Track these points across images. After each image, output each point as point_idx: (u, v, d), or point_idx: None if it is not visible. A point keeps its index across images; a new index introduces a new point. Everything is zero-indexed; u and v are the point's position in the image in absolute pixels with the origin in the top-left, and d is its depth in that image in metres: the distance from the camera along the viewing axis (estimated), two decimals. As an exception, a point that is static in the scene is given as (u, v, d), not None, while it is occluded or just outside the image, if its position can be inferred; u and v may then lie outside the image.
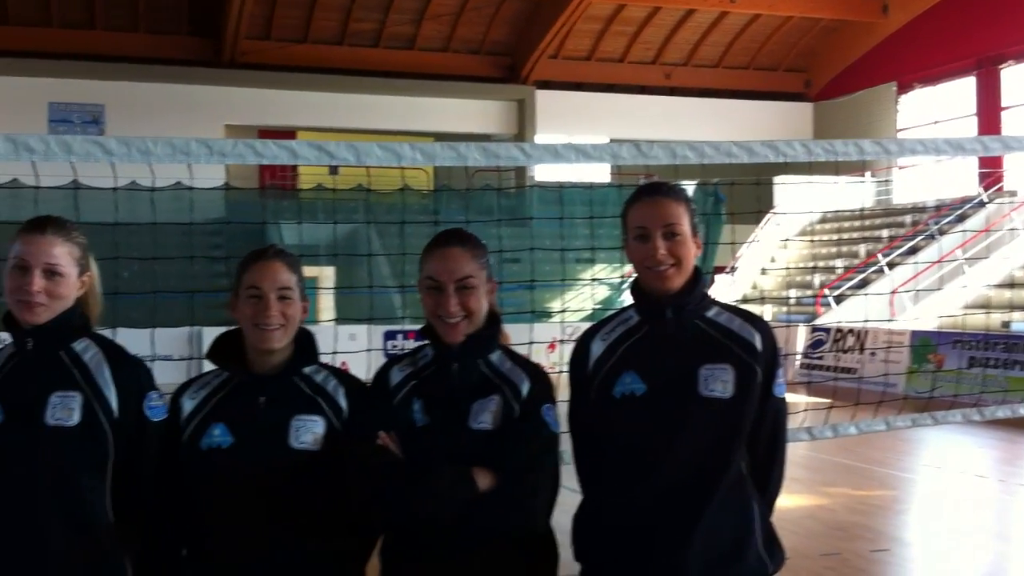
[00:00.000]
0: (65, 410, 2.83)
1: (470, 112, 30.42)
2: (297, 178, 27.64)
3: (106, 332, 3.11)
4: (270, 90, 28.22)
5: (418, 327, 3.12)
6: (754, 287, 26.85)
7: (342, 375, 3.07)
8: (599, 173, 29.02)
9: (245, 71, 28.15)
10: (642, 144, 4.61)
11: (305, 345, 3.04)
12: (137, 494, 2.92)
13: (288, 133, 26.47)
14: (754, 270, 27.45)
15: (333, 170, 24.98)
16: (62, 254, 2.90)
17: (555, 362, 3.19)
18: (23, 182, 6.73)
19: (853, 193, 27.64)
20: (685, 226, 2.96)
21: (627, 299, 3.15)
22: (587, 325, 3.26)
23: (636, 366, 2.96)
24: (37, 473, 2.80)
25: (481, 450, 2.85)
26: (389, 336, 20.57)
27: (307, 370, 3.03)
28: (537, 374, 3.01)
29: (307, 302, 3.03)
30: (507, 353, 3.05)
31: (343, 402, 2.99)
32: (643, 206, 2.99)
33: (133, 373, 2.96)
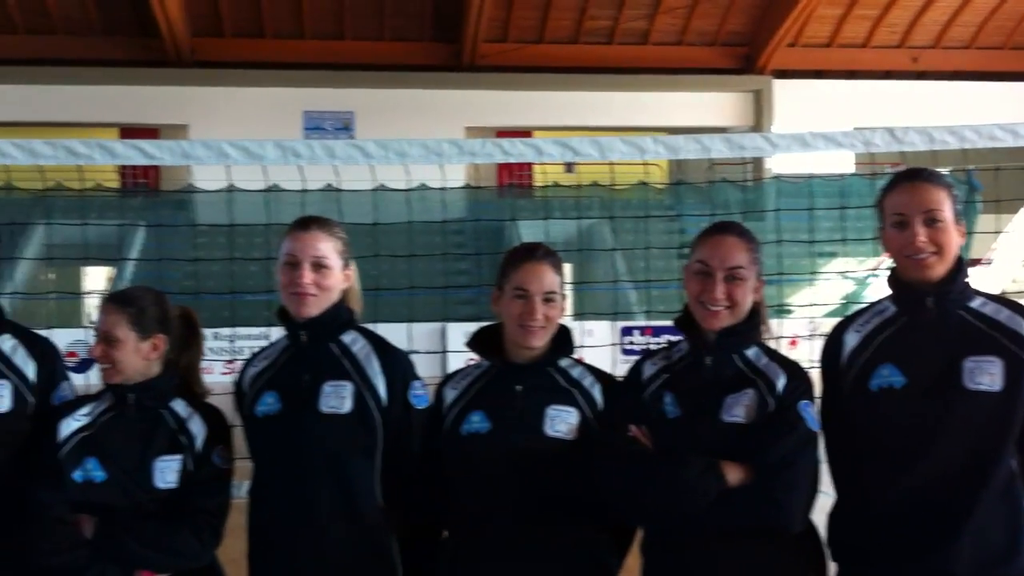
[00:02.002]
0: (338, 398, 3.02)
1: (705, 105, 30.04)
2: (534, 177, 28.10)
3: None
4: (507, 91, 28.88)
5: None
6: (1014, 280, 25.17)
7: (598, 371, 3.12)
8: (842, 164, 27.98)
9: (484, 74, 28.92)
10: (896, 130, 4.43)
11: (562, 338, 3.10)
12: (403, 478, 3.06)
13: (524, 133, 26.95)
14: (1014, 263, 25.72)
15: (569, 168, 25.24)
16: (327, 248, 3.10)
17: (797, 359, 3.10)
18: (282, 187, 7.16)
19: None
20: (947, 212, 2.83)
21: (872, 295, 3.03)
22: (831, 321, 3.16)
23: (894, 358, 2.85)
24: (313, 457, 3.00)
25: (733, 444, 2.82)
26: (626, 332, 20.54)
27: (563, 363, 3.10)
28: (795, 370, 2.94)
29: (565, 300, 3.10)
30: (764, 349, 3.00)
31: (599, 397, 3.04)
32: (902, 192, 2.88)
33: (399, 363, 3.13)
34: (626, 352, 19.28)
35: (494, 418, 3.00)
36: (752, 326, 2.98)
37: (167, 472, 3.01)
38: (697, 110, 29.68)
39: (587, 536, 2.99)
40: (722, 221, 3.06)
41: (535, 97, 29.00)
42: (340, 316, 3.14)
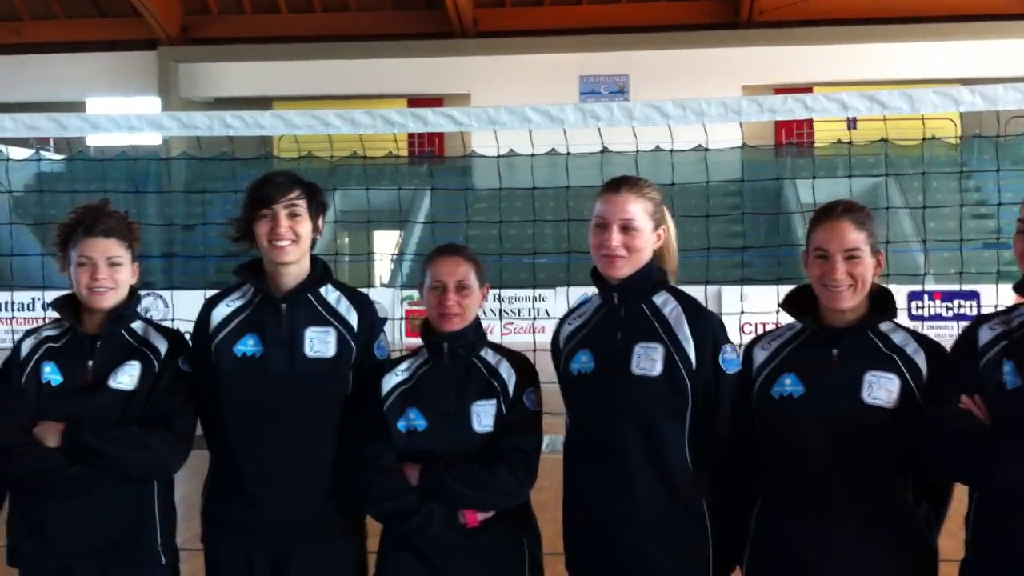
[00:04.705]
0: (648, 360, 3.06)
1: (999, 54, 27.84)
2: (813, 134, 27.22)
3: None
4: (786, 47, 28.04)
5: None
6: None
7: (923, 337, 2.99)
8: None
9: (761, 30, 28.19)
10: None
11: (882, 301, 3.00)
12: (714, 441, 3.07)
13: (805, 89, 26.06)
14: None
15: (851, 124, 24.27)
16: (636, 210, 3.12)
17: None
18: (559, 151, 7.36)
19: None
20: None
21: None
22: None
23: None
24: (624, 417, 3.06)
25: None
26: (913, 296, 19.53)
27: (884, 327, 3.00)
28: None
29: (881, 255, 2.99)
30: None
31: (923, 365, 2.92)
32: None
33: (709, 326, 3.11)
34: (913, 318, 18.39)
35: (808, 382, 2.94)
36: None
37: (483, 416, 3.18)
38: (990, 59, 27.60)
39: (905, 508, 2.92)
40: None
41: (815, 52, 28.01)
42: (651, 277, 3.16)
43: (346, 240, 25.94)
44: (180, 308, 6.31)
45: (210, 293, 3.48)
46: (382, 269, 25.30)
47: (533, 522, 3.33)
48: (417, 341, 3.37)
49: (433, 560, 3.18)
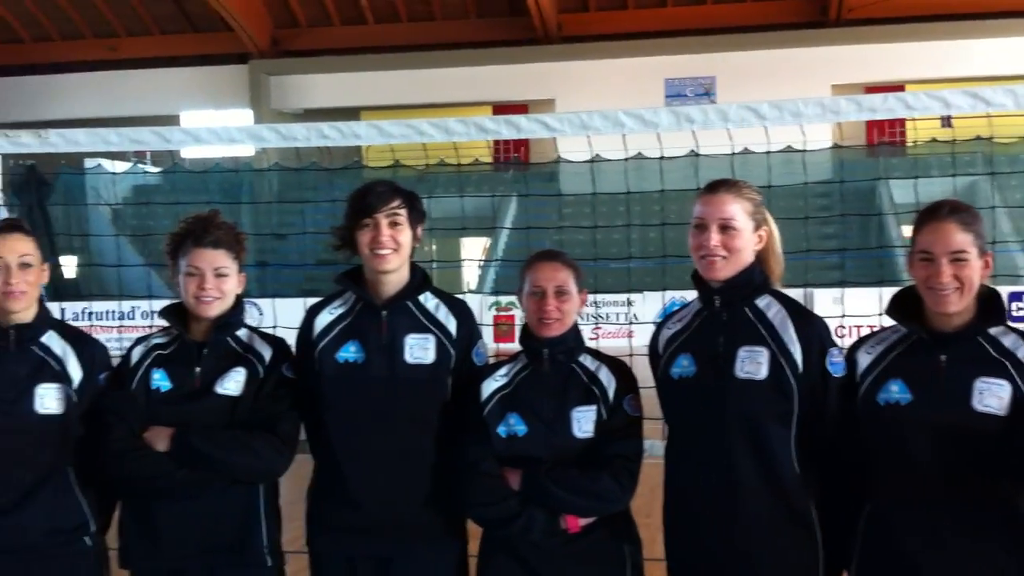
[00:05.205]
0: (753, 364, 3.03)
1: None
2: (907, 133, 26.63)
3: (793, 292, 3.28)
4: (876, 45, 27.52)
5: None
6: None
7: None
8: None
9: (851, 28, 27.72)
10: None
11: (991, 304, 2.92)
12: (820, 445, 3.03)
13: (896, 87, 25.53)
14: None
15: (946, 122, 23.69)
16: (735, 210, 3.09)
17: None
18: (646, 155, 7.32)
19: None
20: None
21: None
22: None
23: None
24: (729, 422, 3.03)
25: None
26: (1014, 297, 19.02)
27: (993, 331, 2.91)
28: None
29: (989, 256, 2.91)
30: None
31: None
32: None
33: (815, 329, 3.07)
34: (1014, 319, 17.90)
35: (915, 389, 2.88)
36: None
37: (584, 421, 3.18)
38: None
39: (1018, 513, 2.83)
40: None
41: (905, 49, 27.44)
42: (753, 280, 3.13)
43: (434, 247, 26.16)
44: (274, 316, 6.42)
45: (303, 300, 3.53)
46: (470, 275, 25.45)
47: (633, 528, 3.31)
48: (505, 347, 3.38)
49: (533, 564, 3.19)
